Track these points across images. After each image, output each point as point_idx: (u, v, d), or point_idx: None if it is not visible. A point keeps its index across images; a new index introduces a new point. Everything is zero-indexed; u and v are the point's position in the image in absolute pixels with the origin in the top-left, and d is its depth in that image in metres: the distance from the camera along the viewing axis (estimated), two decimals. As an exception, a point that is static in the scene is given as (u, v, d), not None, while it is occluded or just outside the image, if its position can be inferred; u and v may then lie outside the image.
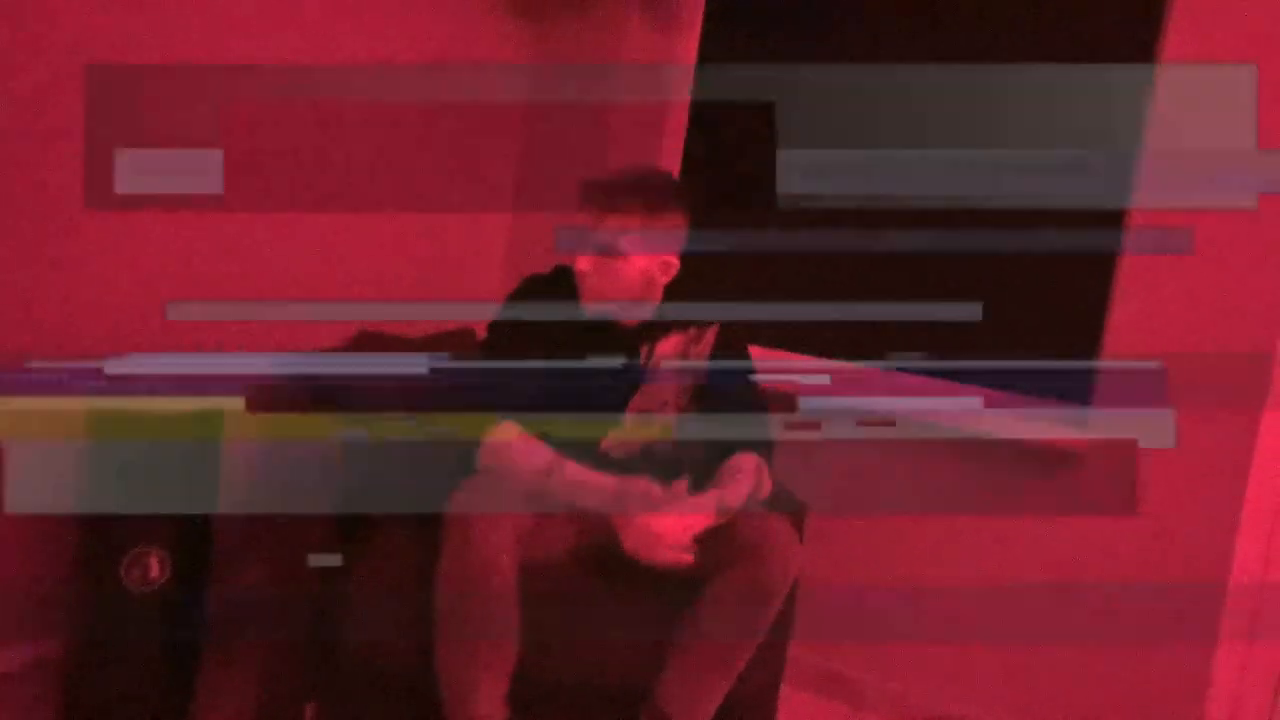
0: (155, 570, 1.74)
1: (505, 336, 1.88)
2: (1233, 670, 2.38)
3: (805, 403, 2.52)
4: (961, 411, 2.37)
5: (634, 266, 1.84)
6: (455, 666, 1.67)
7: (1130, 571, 2.22)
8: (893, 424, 2.44)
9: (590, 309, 1.86)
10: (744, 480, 1.80)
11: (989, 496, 2.37)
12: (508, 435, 1.76)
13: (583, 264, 1.81)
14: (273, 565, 1.82)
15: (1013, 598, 2.34)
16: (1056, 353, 2.45)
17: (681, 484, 1.79)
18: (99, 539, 1.73)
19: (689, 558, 1.70)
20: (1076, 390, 2.38)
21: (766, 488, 1.86)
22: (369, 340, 2.37)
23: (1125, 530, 2.23)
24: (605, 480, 1.74)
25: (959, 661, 2.40)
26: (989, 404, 2.50)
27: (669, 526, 1.69)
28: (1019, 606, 2.34)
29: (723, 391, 1.95)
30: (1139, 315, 2.21)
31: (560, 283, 1.92)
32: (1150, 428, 2.19)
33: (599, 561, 1.84)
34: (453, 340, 2.44)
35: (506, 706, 1.71)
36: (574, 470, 1.75)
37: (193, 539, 1.82)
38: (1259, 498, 2.29)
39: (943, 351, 2.60)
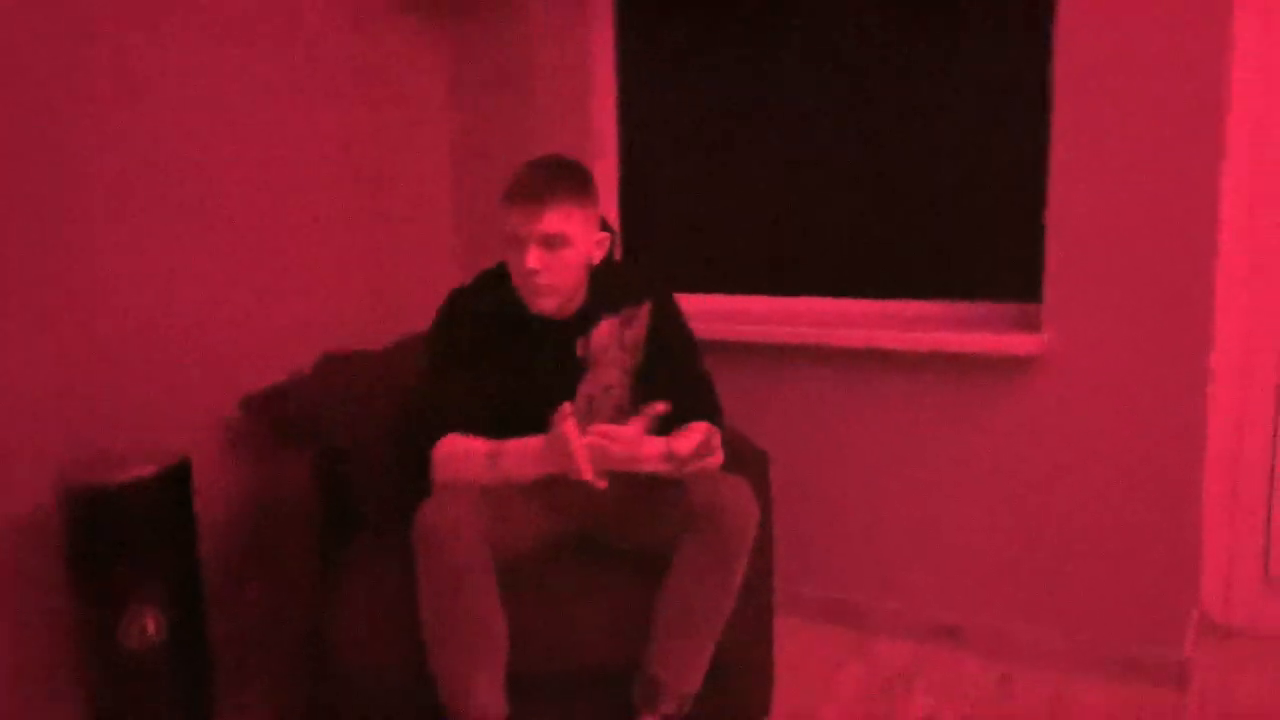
0: (152, 627, 1.82)
1: (444, 359, 1.90)
2: (1221, 549, 2.45)
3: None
4: (913, 331, 2.39)
5: (579, 252, 1.86)
6: (450, 671, 1.74)
7: (1104, 466, 2.26)
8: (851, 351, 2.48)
9: (540, 305, 1.86)
10: (691, 434, 1.80)
11: (954, 409, 2.41)
12: (448, 444, 1.81)
13: (532, 261, 1.79)
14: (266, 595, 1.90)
15: (993, 506, 2.39)
16: (999, 254, 2.47)
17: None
18: (90, 605, 1.80)
19: (602, 481, 1.70)
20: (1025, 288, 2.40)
21: (718, 456, 1.89)
22: (334, 362, 2.42)
23: (1095, 425, 2.26)
24: (537, 442, 1.76)
25: (954, 573, 2.47)
26: (939, 316, 2.53)
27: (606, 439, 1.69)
28: (1001, 514, 2.39)
29: (665, 368, 1.99)
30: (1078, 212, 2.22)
31: (489, 290, 1.94)
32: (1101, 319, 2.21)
33: (569, 546, 1.90)
34: (410, 349, 2.49)
35: (505, 699, 1.78)
36: (513, 445, 1.78)
37: (184, 589, 1.90)
38: (1225, 367, 2.33)
39: (886, 270, 2.64)
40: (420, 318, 2.56)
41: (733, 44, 2.75)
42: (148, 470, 1.82)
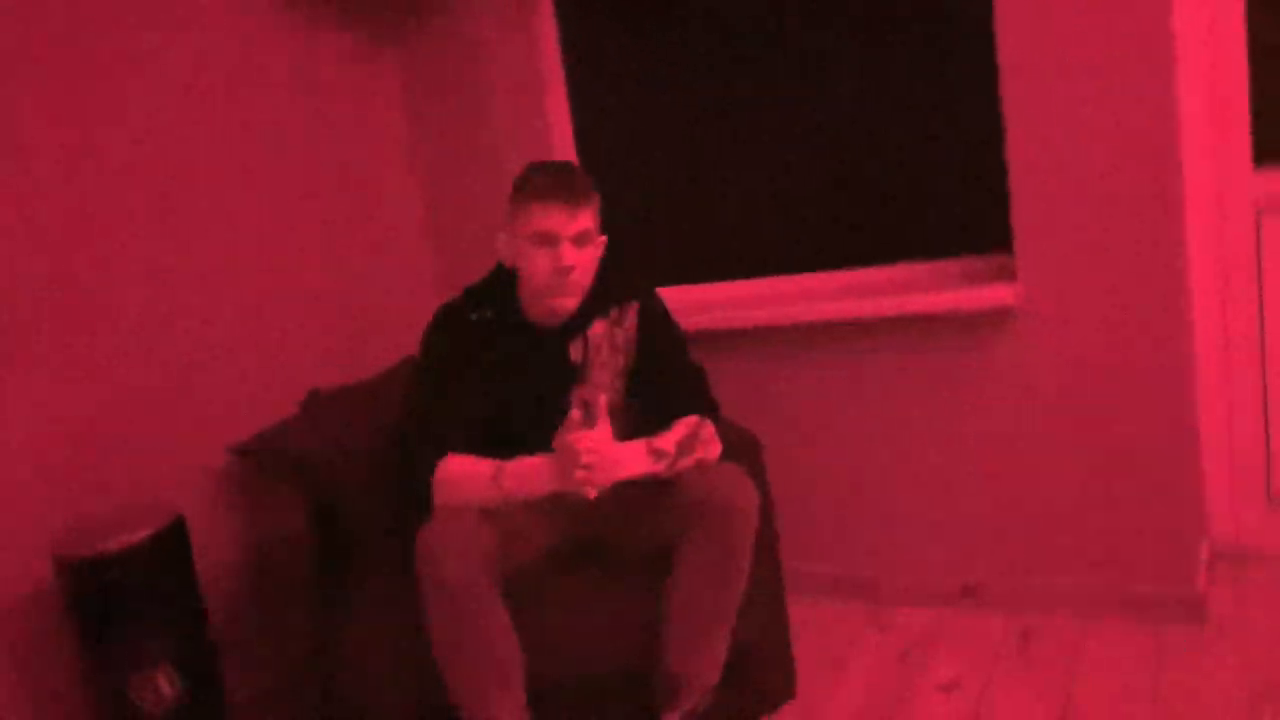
0: (166, 687, 1.81)
1: (436, 376, 1.89)
2: (1222, 476, 2.45)
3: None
4: (888, 297, 2.39)
5: (598, 249, 1.91)
6: (469, 694, 1.74)
7: (1097, 408, 2.26)
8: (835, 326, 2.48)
9: (566, 304, 1.87)
10: (678, 429, 1.83)
11: (939, 370, 2.41)
12: (450, 467, 1.81)
13: (570, 257, 1.82)
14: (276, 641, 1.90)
15: (991, 461, 2.39)
16: (965, 207, 2.47)
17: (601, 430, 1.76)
18: (103, 672, 1.80)
19: (591, 491, 1.70)
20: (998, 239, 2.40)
21: (715, 449, 1.89)
22: (321, 399, 2.42)
23: (1082, 369, 2.26)
24: (543, 461, 1.76)
25: (962, 534, 2.46)
26: (914, 278, 2.53)
27: (600, 455, 1.70)
28: (999, 469, 2.39)
29: (656, 367, 1.99)
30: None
31: (479, 302, 1.94)
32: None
33: (573, 556, 1.89)
34: (400, 376, 2.48)
35: (526, 711, 1.78)
36: (516, 465, 1.78)
37: (193, 645, 1.90)
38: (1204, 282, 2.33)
39: (854, 239, 2.64)
40: (405, 341, 2.57)
41: (673, 27, 2.73)
42: (143, 533, 1.82)
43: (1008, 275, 2.35)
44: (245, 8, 2.36)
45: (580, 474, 1.68)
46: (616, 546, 1.95)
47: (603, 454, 1.69)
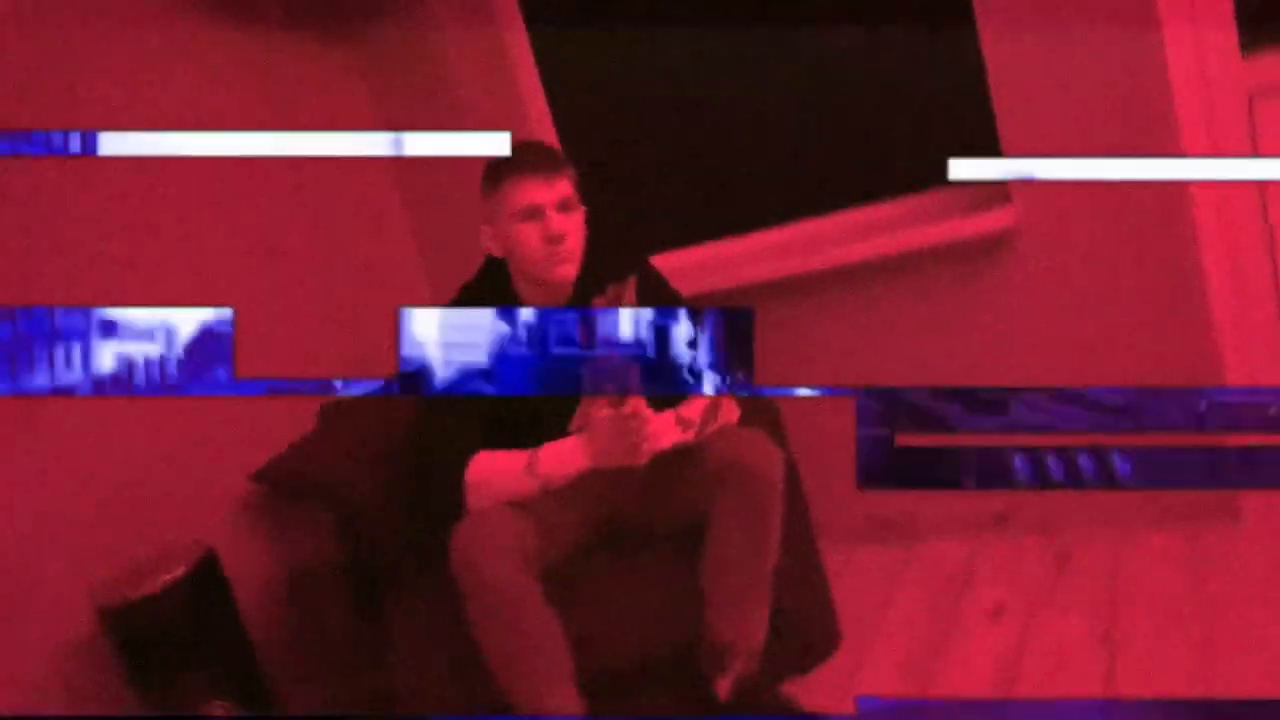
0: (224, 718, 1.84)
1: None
2: (1242, 362, 2.43)
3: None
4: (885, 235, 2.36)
5: (582, 216, 1.89)
6: (521, 689, 1.74)
7: (1108, 309, 2.24)
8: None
9: (563, 273, 1.85)
10: (698, 398, 1.84)
11: (946, 302, 2.39)
12: (481, 466, 1.80)
13: (558, 224, 1.80)
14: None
15: (1010, 383, 2.38)
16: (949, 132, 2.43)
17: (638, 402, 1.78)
18: (161, 712, 1.82)
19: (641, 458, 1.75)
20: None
21: (732, 412, 1.89)
22: (336, 411, 2.41)
23: (1088, 277, 2.24)
24: (576, 439, 1.79)
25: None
26: (908, 212, 2.50)
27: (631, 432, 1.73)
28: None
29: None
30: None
31: (477, 298, 1.92)
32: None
33: (606, 539, 1.90)
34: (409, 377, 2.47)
35: (578, 700, 1.79)
36: (547, 450, 1.79)
37: (244, 673, 1.92)
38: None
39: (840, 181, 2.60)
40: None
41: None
42: (178, 572, 1.83)
43: (1000, 198, 2.32)
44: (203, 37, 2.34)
45: (627, 444, 1.71)
46: (647, 524, 1.95)
47: (646, 421, 1.71)
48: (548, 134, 2.84)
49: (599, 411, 1.73)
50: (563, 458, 1.78)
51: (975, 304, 2.37)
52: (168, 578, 1.81)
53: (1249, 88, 2.22)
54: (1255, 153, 2.26)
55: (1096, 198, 2.17)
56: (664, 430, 1.77)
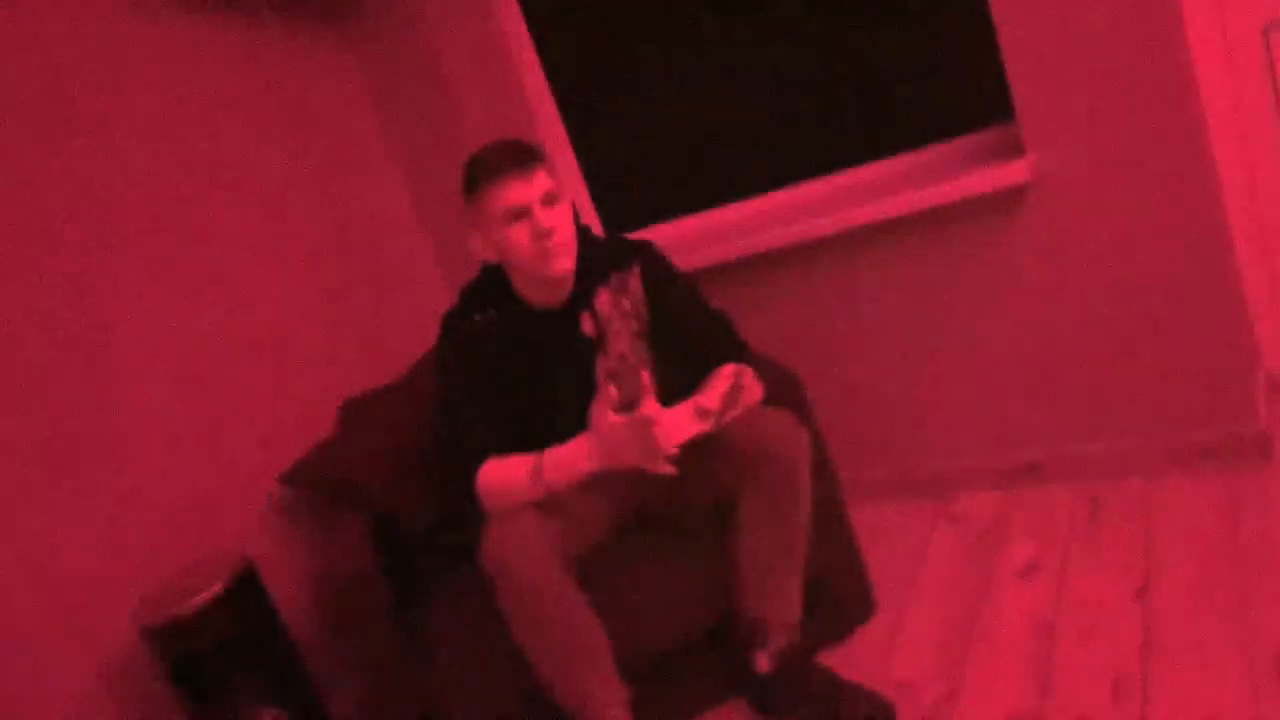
0: (272, 722, 1.88)
1: (458, 389, 1.87)
2: (1268, 304, 2.39)
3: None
4: (898, 194, 2.32)
5: (569, 206, 1.86)
6: (562, 683, 1.78)
7: (1131, 261, 2.21)
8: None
9: (560, 266, 1.82)
10: (719, 383, 1.82)
11: (963, 258, 2.36)
12: (489, 467, 1.80)
13: (546, 219, 1.78)
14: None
15: (1033, 337, 2.36)
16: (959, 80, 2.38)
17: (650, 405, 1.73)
18: (202, 706, 1.85)
19: (670, 467, 1.70)
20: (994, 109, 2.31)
21: (757, 392, 1.88)
22: (356, 410, 2.42)
23: (1109, 227, 2.20)
24: (583, 442, 1.76)
25: (1016, 413, 2.45)
26: (920, 166, 2.46)
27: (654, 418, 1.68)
28: (1043, 342, 2.35)
29: (675, 321, 1.97)
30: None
31: (480, 303, 1.90)
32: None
33: (635, 526, 1.91)
34: (427, 370, 2.47)
35: (622, 685, 1.82)
36: (552, 454, 1.77)
37: (290, 677, 1.95)
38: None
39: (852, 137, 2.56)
40: (424, 333, 2.56)
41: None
42: (217, 587, 1.85)
43: (1014, 147, 2.27)
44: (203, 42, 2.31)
45: (640, 450, 1.68)
46: (675, 509, 1.96)
47: (663, 424, 1.68)
48: (539, 89, 2.79)
49: (611, 417, 1.71)
50: (568, 465, 1.75)
51: (989, 264, 2.33)
52: (207, 595, 1.83)
53: (1264, 21, 2.17)
54: (1273, 86, 2.21)
55: (1114, 148, 2.12)
56: (680, 425, 1.74)
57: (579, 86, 2.82)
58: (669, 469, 1.70)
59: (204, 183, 2.27)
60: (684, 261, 2.36)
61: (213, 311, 2.23)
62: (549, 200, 1.79)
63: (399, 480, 2.16)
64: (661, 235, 2.81)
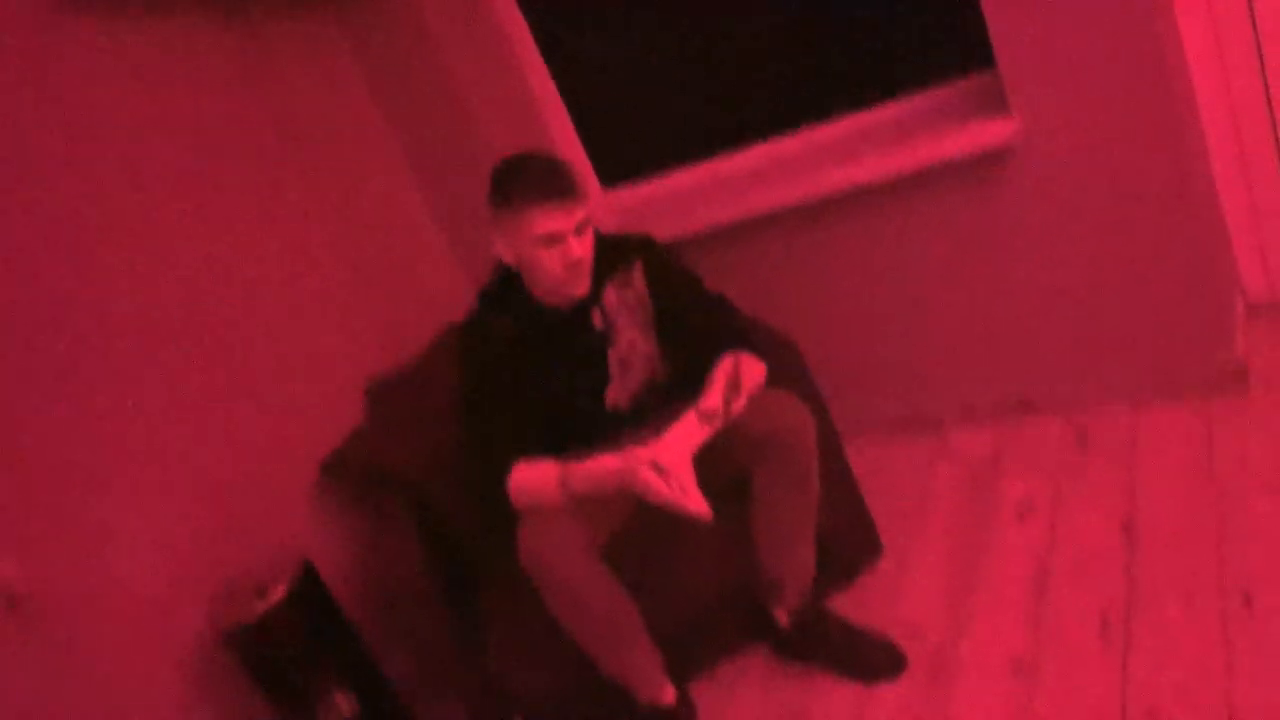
0: (345, 706, 2.07)
1: (482, 396, 1.98)
2: (1247, 234, 2.48)
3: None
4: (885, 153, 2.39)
5: (592, 228, 1.94)
6: (604, 656, 1.97)
7: (1113, 204, 2.29)
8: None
9: (579, 289, 1.93)
10: (717, 382, 1.90)
11: (950, 212, 2.44)
12: (519, 473, 1.93)
13: (578, 250, 1.86)
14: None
15: (1024, 279, 2.46)
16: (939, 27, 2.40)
17: (663, 425, 1.88)
18: (286, 707, 2.05)
19: (702, 505, 1.77)
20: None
21: (758, 371, 1.98)
22: (381, 392, 2.54)
23: (1090, 173, 2.27)
24: (610, 461, 1.85)
25: (1010, 353, 2.58)
26: (900, 117, 2.52)
27: (672, 466, 1.78)
28: (1033, 284, 2.46)
29: (678, 310, 2.07)
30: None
31: (498, 310, 2.00)
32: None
33: (657, 510, 2.05)
34: (447, 342, 2.57)
35: (656, 651, 2.02)
36: (580, 469, 1.88)
37: (356, 663, 2.15)
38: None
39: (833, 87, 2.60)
40: (440, 310, 2.66)
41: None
42: (281, 590, 2.01)
43: (996, 97, 2.31)
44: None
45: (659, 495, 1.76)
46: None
47: (675, 463, 1.78)
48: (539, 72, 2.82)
49: (642, 460, 1.78)
50: (594, 480, 1.86)
51: (976, 212, 2.41)
52: (274, 597, 2.00)
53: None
54: (1250, 18, 2.24)
55: (1097, 91, 2.17)
56: (688, 437, 1.83)
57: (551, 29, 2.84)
58: (706, 516, 1.77)
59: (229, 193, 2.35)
60: (665, 230, 2.45)
61: (231, 300, 2.32)
62: (582, 229, 1.87)
63: (437, 465, 2.30)
64: (641, 198, 2.90)
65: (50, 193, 1.99)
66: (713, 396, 1.87)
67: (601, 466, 1.85)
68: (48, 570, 1.84)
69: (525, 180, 1.85)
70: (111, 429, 2.00)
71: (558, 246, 1.86)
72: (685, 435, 1.83)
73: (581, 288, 1.93)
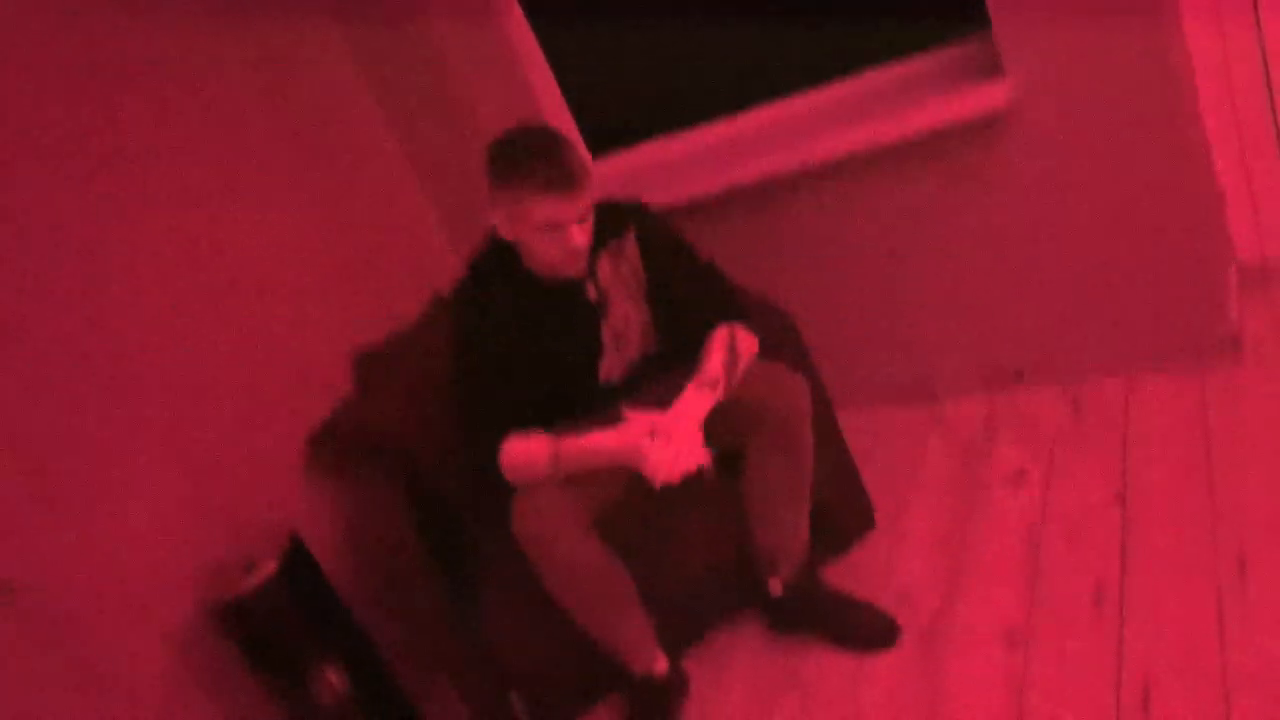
0: (336, 681, 2.06)
1: (477, 365, 1.95)
2: (1243, 199, 2.46)
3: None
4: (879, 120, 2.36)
5: (592, 215, 1.90)
6: (597, 627, 1.97)
7: (1110, 169, 2.27)
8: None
9: (576, 269, 1.92)
10: (715, 353, 1.90)
11: (946, 181, 2.41)
12: (511, 448, 1.91)
13: (579, 238, 1.84)
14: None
15: (1019, 249, 2.44)
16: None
17: (659, 397, 1.88)
18: (276, 682, 2.04)
19: (705, 457, 1.80)
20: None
21: (752, 344, 1.98)
22: (371, 362, 2.52)
23: (1087, 138, 2.25)
24: (604, 438, 1.85)
25: (1005, 324, 2.56)
26: (895, 81, 2.48)
27: (678, 441, 1.78)
28: (1030, 254, 2.43)
29: (670, 281, 2.05)
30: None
31: (494, 281, 1.97)
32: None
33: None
34: (436, 314, 2.55)
35: (648, 619, 2.02)
36: (572, 443, 1.87)
37: (347, 638, 2.13)
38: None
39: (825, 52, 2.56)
40: (428, 281, 2.63)
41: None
42: (271, 565, 1.99)
43: (992, 61, 2.28)
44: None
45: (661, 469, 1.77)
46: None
47: (683, 434, 1.78)
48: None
49: (640, 432, 1.80)
50: (588, 459, 1.86)
51: (971, 179, 2.39)
52: (263, 573, 1.98)
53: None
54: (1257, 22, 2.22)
55: (1092, 55, 2.14)
56: (692, 408, 1.82)
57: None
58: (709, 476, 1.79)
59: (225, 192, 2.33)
60: (654, 198, 2.38)
61: (226, 284, 2.29)
62: (584, 216, 1.84)
63: (428, 434, 2.29)
64: (631, 166, 2.86)
65: (51, 177, 1.99)
66: (715, 363, 1.87)
67: (597, 445, 1.85)
68: (36, 549, 1.83)
69: (528, 166, 1.79)
70: (97, 407, 1.97)
71: (560, 233, 1.83)
72: (690, 405, 1.82)
73: (579, 269, 1.91)
